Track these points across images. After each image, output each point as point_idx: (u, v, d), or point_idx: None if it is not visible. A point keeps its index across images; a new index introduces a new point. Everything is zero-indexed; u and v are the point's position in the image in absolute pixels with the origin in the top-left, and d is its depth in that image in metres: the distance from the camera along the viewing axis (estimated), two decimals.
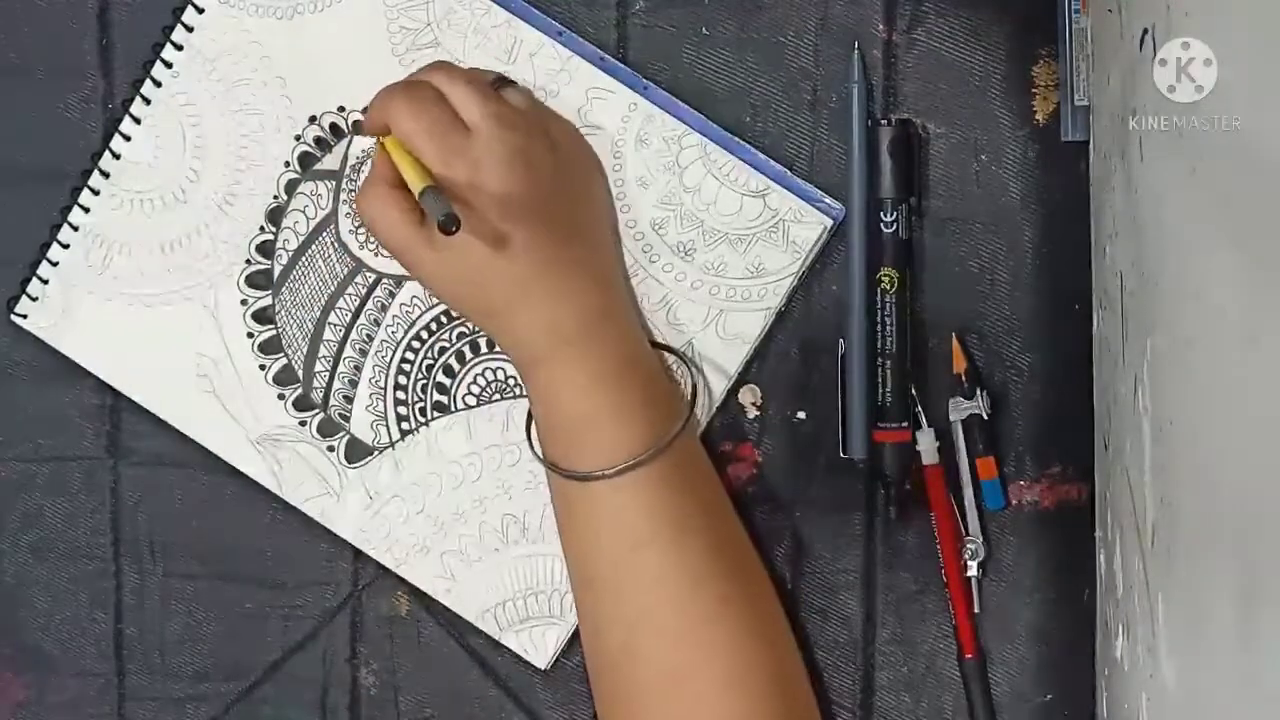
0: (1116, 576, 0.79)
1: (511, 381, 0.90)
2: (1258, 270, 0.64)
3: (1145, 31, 0.71)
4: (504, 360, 0.90)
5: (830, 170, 0.88)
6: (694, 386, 0.88)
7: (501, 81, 0.87)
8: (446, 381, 0.91)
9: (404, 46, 0.89)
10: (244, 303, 0.91)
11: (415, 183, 0.80)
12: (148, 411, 0.92)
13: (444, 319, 0.91)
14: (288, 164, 0.90)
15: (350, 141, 0.90)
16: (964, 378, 0.88)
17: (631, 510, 0.83)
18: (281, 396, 0.91)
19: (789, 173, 0.88)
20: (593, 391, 0.83)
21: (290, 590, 0.93)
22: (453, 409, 0.91)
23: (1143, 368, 0.73)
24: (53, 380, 0.92)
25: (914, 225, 0.88)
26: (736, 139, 0.88)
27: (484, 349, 0.90)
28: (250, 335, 0.91)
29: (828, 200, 0.88)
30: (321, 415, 0.91)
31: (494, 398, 0.91)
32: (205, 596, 0.93)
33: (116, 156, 0.90)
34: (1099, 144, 0.81)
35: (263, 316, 0.91)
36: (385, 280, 0.91)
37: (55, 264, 0.91)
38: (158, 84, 0.90)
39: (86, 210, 0.90)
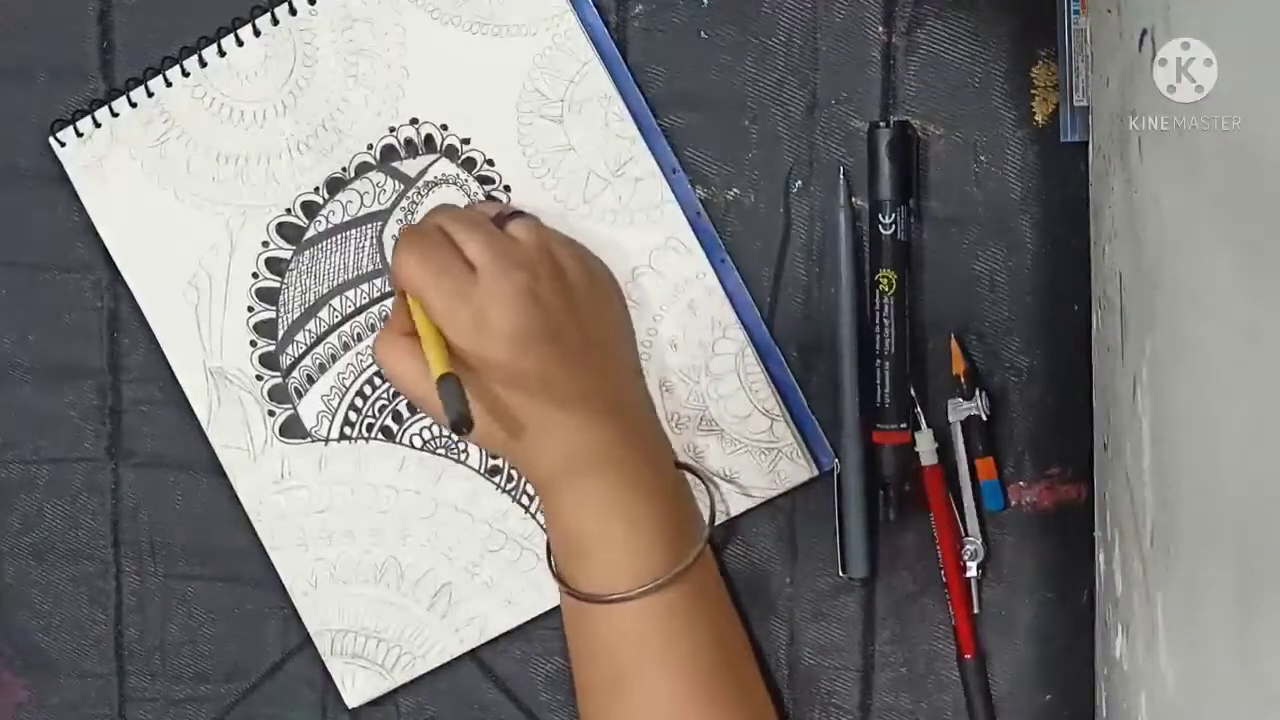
0: (1116, 576, 0.79)
1: (462, 445, 0.90)
2: (1258, 270, 0.64)
3: (1144, 32, 0.71)
4: None
5: (828, 173, 0.88)
6: (712, 512, 0.88)
7: (504, 216, 0.86)
8: (406, 414, 0.91)
9: (528, 107, 0.88)
10: (265, 244, 0.90)
11: (434, 365, 0.80)
12: (148, 413, 0.92)
13: None
14: (370, 147, 0.90)
15: (436, 161, 0.89)
16: (963, 379, 0.88)
17: (619, 639, 0.84)
18: (254, 344, 0.91)
19: (804, 401, 0.89)
20: (603, 518, 0.84)
21: (290, 591, 0.93)
22: (397, 440, 0.91)
23: (1142, 368, 0.73)
24: (53, 382, 0.92)
25: (913, 227, 0.88)
26: (776, 348, 0.89)
27: None
28: (254, 275, 0.91)
29: (824, 442, 0.89)
30: (278, 381, 0.91)
31: (438, 450, 0.91)
32: (205, 597, 0.93)
33: (222, 54, 0.89)
34: (1098, 144, 0.81)
35: (275, 265, 0.90)
36: None
37: (116, 115, 0.90)
38: (294, 12, 0.89)
39: (169, 85, 0.90)
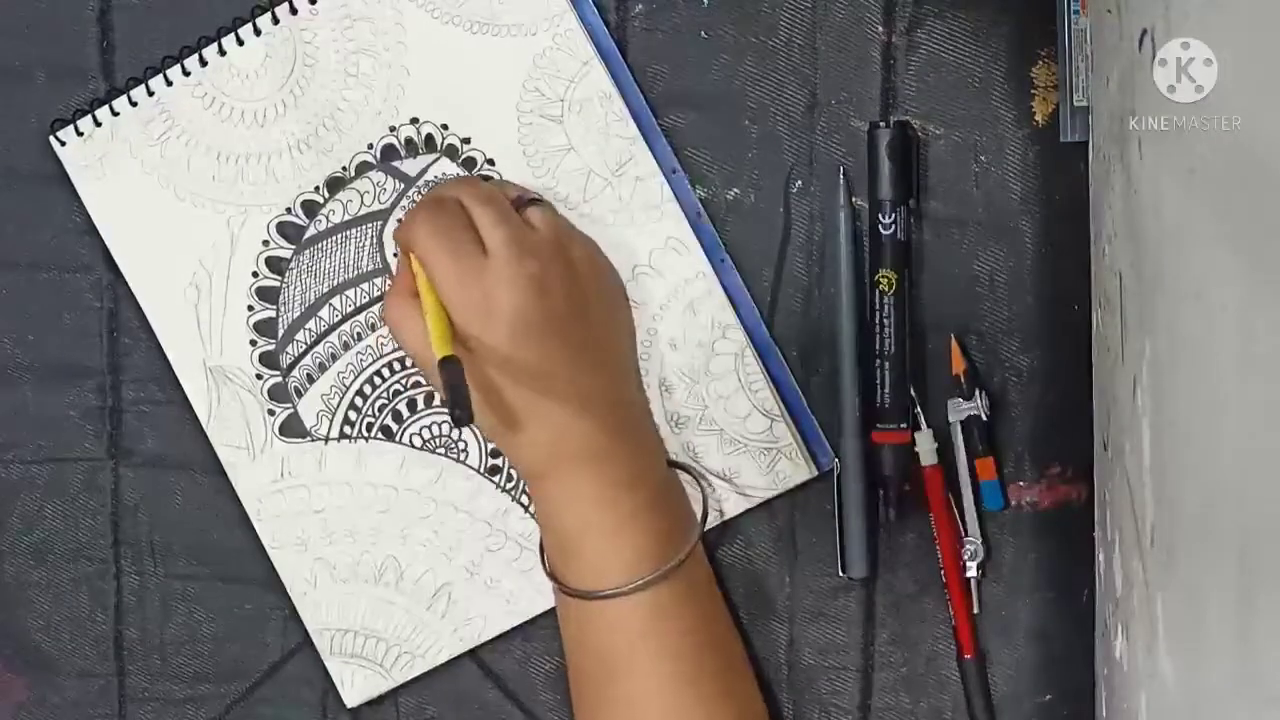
0: (1116, 576, 0.79)
1: (462, 444, 0.90)
2: (1257, 270, 0.64)
3: (1144, 32, 0.71)
4: None
5: (828, 173, 0.88)
6: (704, 510, 0.88)
7: (523, 201, 0.86)
8: (405, 413, 0.91)
9: (529, 106, 0.88)
10: (265, 243, 0.90)
11: (436, 345, 0.80)
12: (148, 413, 0.92)
13: None
14: (370, 146, 0.90)
15: (436, 160, 0.89)
16: (963, 379, 0.88)
17: (610, 634, 0.84)
18: (254, 343, 0.91)
19: (804, 401, 0.89)
20: (591, 511, 0.84)
21: (290, 591, 0.93)
22: (396, 440, 0.91)
23: (1142, 368, 0.73)
24: (53, 382, 0.92)
25: (913, 227, 0.88)
26: (776, 348, 0.89)
27: None
28: (255, 274, 0.91)
29: (824, 442, 0.89)
30: (279, 380, 0.91)
31: (438, 450, 0.91)
32: (205, 597, 0.93)
33: (222, 53, 0.89)
34: (1098, 144, 0.81)
35: (275, 264, 0.90)
36: None
37: (116, 114, 0.90)
38: (294, 11, 0.89)
39: (170, 84, 0.90)
